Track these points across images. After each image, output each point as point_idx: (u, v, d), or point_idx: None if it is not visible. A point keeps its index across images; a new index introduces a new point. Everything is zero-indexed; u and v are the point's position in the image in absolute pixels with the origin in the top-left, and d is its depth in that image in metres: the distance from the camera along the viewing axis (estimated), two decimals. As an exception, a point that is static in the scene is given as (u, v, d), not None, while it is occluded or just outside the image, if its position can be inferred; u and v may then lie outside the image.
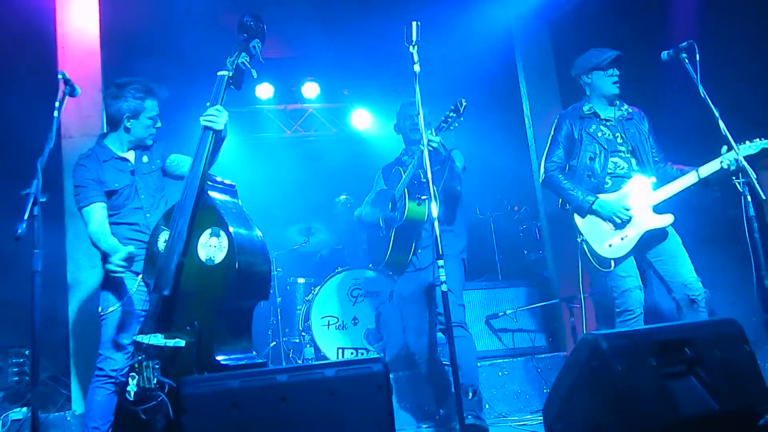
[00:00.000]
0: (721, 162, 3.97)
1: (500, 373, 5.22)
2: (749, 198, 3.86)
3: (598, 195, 4.25)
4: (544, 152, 4.54)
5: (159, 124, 3.91)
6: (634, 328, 3.68)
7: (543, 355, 5.44)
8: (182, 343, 3.14)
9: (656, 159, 4.39)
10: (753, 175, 3.87)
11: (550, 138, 4.52)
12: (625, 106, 4.49)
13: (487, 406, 4.94)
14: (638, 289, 4.17)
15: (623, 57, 4.39)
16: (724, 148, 3.98)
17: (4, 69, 5.01)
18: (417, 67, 3.45)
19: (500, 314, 5.74)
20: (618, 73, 4.40)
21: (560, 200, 4.50)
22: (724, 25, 5.40)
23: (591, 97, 4.47)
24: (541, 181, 4.55)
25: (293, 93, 8.61)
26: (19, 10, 5.05)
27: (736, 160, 3.86)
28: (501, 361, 5.33)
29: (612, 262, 4.20)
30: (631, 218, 4.18)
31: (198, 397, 2.31)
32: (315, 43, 7.81)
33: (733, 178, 4.06)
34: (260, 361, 3.28)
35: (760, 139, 4.05)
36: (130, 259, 3.43)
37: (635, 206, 4.19)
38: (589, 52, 4.48)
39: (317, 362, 2.78)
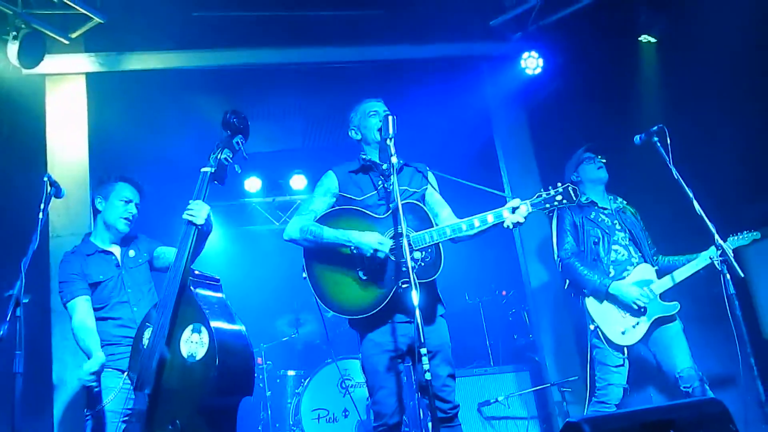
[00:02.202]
0: (713, 262, 4.16)
1: (494, 462, 5.12)
2: (728, 276, 3.92)
3: (613, 280, 4.36)
4: (553, 244, 4.68)
5: (133, 211, 3.95)
6: (619, 411, 3.68)
7: (537, 442, 5.34)
8: (165, 442, 3.10)
9: (652, 252, 4.61)
10: (731, 254, 3.94)
11: (555, 229, 4.68)
12: (620, 199, 4.75)
13: (482, 497, 4.82)
14: (622, 387, 4.27)
15: (598, 144, 4.61)
16: (712, 249, 4.17)
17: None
18: (394, 159, 3.48)
19: (492, 401, 5.66)
20: (601, 159, 4.63)
21: (566, 283, 4.65)
22: (691, 109, 5.57)
23: (585, 188, 4.68)
24: (560, 269, 4.63)
25: (281, 186, 8.74)
26: (9, 111, 5.19)
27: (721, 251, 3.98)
28: (495, 450, 5.24)
29: (625, 350, 4.33)
30: (653, 300, 4.32)
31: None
32: (302, 136, 8.03)
33: (710, 258, 4.18)
34: (244, 458, 3.23)
35: (749, 231, 4.36)
36: (98, 372, 3.46)
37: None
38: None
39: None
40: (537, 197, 3.52)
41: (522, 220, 3.47)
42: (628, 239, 4.56)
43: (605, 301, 4.39)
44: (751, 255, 5.02)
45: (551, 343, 5.88)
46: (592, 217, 4.57)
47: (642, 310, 4.31)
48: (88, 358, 3.54)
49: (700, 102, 5.61)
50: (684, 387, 4.14)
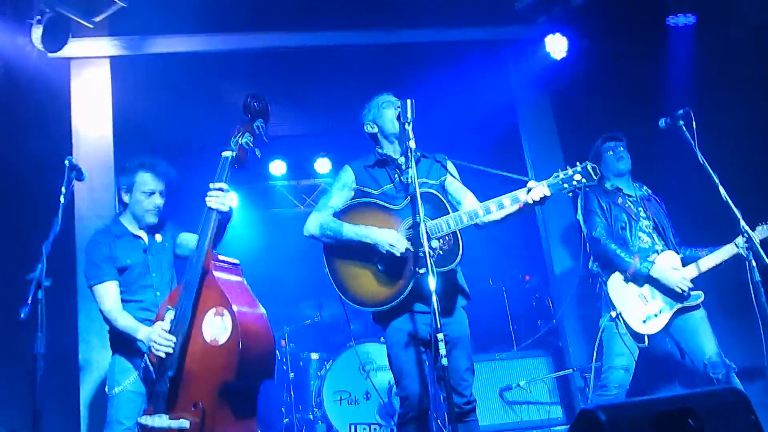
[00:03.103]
0: (739, 251, 4.12)
1: (516, 448, 5.13)
2: (754, 263, 3.88)
3: (653, 264, 4.32)
4: (582, 227, 4.58)
5: (158, 202, 3.91)
6: (636, 399, 3.65)
7: (558, 428, 5.34)
8: (186, 424, 3.13)
9: (675, 240, 4.54)
10: (757, 241, 3.89)
11: (583, 210, 4.58)
12: (645, 188, 4.71)
13: (503, 481, 4.84)
14: (624, 370, 4.24)
15: (615, 134, 4.54)
16: (739, 238, 4.09)
17: (19, 154, 5.17)
18: (412, 143, 3.46)
19: (514, 386, 5.66)
20: (618, 145, 4.55)
21: (591, 264, 4.59)
22: (718, 94, 5.48)
23: (609, 176, 4.66)
24: (592, 250, 4.56)
25: (306, 169, 8.77)
26: (35, 95, 5.26)
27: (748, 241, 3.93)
28: (516, 434, 5.25)
29: (646, 338, 4.27)
30: (691, 288, 4.27)
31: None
32: (326, 119, 8.03)
33: (736, 242, 4.12)
34: (264, 441, 3.27)
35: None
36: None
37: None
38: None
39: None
40: (554, 177, 3.46)
41: (538, 199, 3.41)
42: (652, 227, 4.51)
43: (629, 288, 4.33)
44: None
45: (574, 328, 5.87)
46: (618, 202, 4.53)
47: (685, 294, 4.25)
48: (135, 336, 3.58)
49: (728, 87, 5.53)
50: (713, 374, 4.09)
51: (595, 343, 4.53)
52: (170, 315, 3.41)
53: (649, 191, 4.69)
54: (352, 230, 3.63)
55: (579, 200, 4.64)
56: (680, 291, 4.24)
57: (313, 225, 3.75)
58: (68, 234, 4.91)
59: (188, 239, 3.99)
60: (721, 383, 4.03)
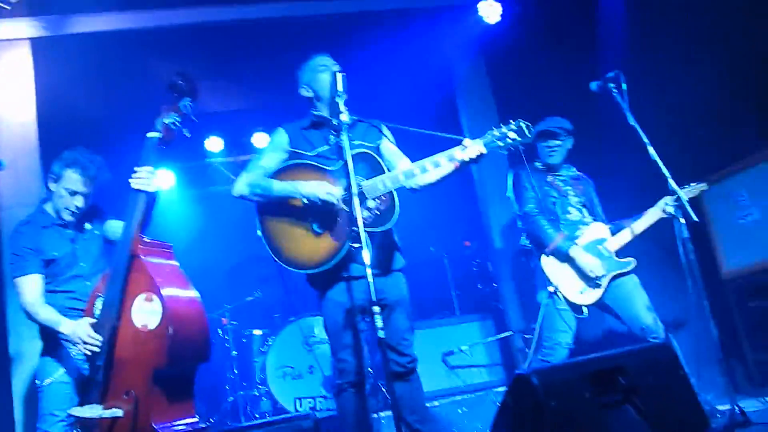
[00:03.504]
0: (668, 210, 4.24)
1: (460, 411, 5.20)
2: (682, 220, 3.97)
3: (573, 242, 4.39)
4: (513, 204, 4.69)
5: (78, 203, 3.74)
6: (568, 361, 3.73)
7: (501, 389, 5.42)
8: (120, 413, 3.08)
9: (603, 216, 4.67)
10: (685, 198, 3.98)
11: (514, 187, 4.68)
12: (573, 169, 4.77)
13: (449, 445, 4.91)
14: (567, 347, 4.35)
15: (560, 131, 4.60)
16: (667, 199, 4.23)
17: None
18: (344, 117, 3.41)
19: (456, 351, 5.73)
20: (553, 142, 4.61)
21: (523, 240, 4.67)
22: (649, 53, 5.56)
23: (540, 157, 4.71)
24: (524, 226, 4.61)
25: (243, 144, 8.61)
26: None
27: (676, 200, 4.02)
28: (460, 398, 5.32)
29: (585, 309, 4.37)
30: (602, 278, 4.36)
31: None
32: (261, 94, 7.88)
33: (665, 200, 4.22)
34: (203, 426, 3.23)
35: (697, 183, 4.42)
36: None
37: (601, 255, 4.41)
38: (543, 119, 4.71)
39: (247, 424, 2.73)
40: (489, 134, 3.42)
41: (474, 157, 3.38)
42: (580, 203, 4.60)
43: (563, 263, 4.41)
44: (711, 197, 5.09)
45: (514, 291, 5.96)
46: (548, 180, 4.61)
47: (597, 280, 4.35)
48: (57, 329, 3.49)
49: (660, 45, 5.61)
50: (651, 338, 4.20)
51: (534, 305, 4.62)
52: (99, 303, 3.32)
53: (579, 172, 4.77)
54: (282, 186, 3.56)
55: (509, 177, 4.69)
56: (592, 276, 4.35)
57: (241, 184, 3.68)
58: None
59: (116, 226, 3.84)
60: None
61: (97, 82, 6.04)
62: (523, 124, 3.41)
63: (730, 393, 3.64)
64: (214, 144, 8.31)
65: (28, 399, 4.52)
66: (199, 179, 8.61)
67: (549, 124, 4.61)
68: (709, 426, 2.79)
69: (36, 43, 5.38)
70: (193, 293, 3.34)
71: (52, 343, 3.63)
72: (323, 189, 3.47)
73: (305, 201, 3.52)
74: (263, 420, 3.28)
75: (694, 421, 2.75)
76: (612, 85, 4.17)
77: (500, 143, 3.41)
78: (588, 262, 4.35)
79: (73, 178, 3.71)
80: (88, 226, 3.88)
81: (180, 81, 3.58)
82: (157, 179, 3.45)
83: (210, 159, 8.60)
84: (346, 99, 3.44)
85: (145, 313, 3.15)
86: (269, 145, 3.82)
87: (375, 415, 3.93)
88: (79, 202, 3.74)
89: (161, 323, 3.09)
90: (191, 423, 3.17)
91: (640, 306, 4.29)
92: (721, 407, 4.06)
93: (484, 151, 3.40)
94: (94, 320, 3.30)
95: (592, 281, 4.37)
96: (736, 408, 3.51)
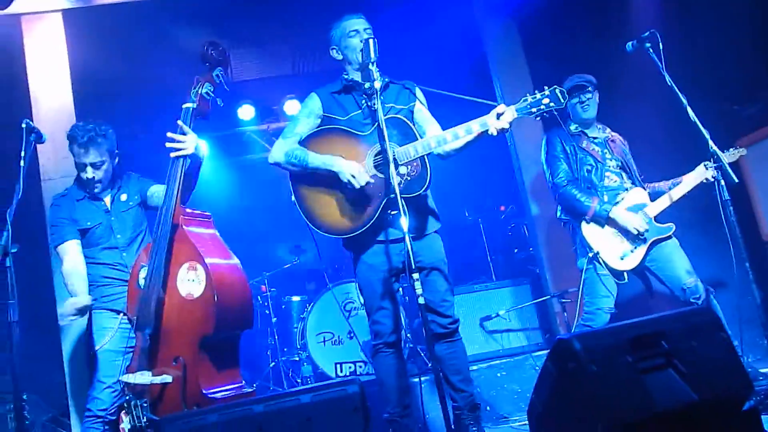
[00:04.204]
0: (708, 173, 4.22)
1: (499, 374, 5.22)
2: (723, 182, 3.91)
3: (613, 205, 4.38)
4: (546, 172, 4.68)
5: (96, 174, 3.80)
6: (609, 326, 3.73)
7: (539, 353, 5.43)
8: (169, 379, 3.18)
9: (641, 177, 4.61)
10: (725, 160, 3.92)
11: (547, 156, 4.66)
12: (608, 129, 4.71)
13: (488, 408, 4.94)
14: (608, 312, 4.35)
15: (587, 84, 4.53)
16: (707, 163, 4.20)
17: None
18: (378, 84, 3.42)
19: (493, 316, 5.75)
20: (584, 96, 4.53)
21: (559, 212, 4.64)
22: (683, 11, 5.43)
23: (573, 117, 4.65)
24: (556, 197, 4.62)
25: (275, 112, 8.64)
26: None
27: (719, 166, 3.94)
28: (498, 362, 5.33)
29: (625, 275, 4.37)
30: (648, 223, 4.34)
31: (177, 436, 2.34)
32: (291, 61, 7.88)
33: (706, 162, 4.17)
34: (249, 390, 3.31)
35: (735, 149, 4.41)
36: (82, 310, 3.49)
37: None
38: (566, 79, 4.63)
39: (293, 389, 2.79)
40: (523, 101, 3.42)
41: (507, 125, 3.37)
42: (618, 167, 4.55)
43: (604, 227, 4.39)
44: (751, 158, 4.99)
45: (550, 255, 5.93)
46: (583, 145, 4.55)
47: (642, 235, 4.33)
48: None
49: (692, 5, 5.47)
50: (693, 299, 4.19)
51: (571, 269, 4.61)
52: (144, 272, 3.40)
53: (614, 133, 4.72)
54: (317, 159, 3.59)
55: (543, 145, 4.66)
56: (637, 233, 4.32)
57: (278, 152, 3.71)
58: (35, 198, 4.84)
59: (160, 191, 3.91)
60: (700, 306, 4.12)
61: (129, 52, 6.09)
62: (557, 91, 3.41)
63: (771, 355, 3.62)
64: (246, 112, 8.35)
65: (77, 366, 4.65)
66: (233, 148, 8.68)
67: (575, 80, 4.57)
68: (752, 389, 2.77)
69: (68, 15, 5.41)
70: (234, 261, 3.41)
71: (101, 311, 3.73)
72: (353, 170, 3.49)
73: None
74: (309, 385, 3.32)
75: (737, 384, 2.73)
76: (648, 44, 4.08)
77: (534, 110, 3.41)
78: (630, 220, 4.33)
79: (77, 153, 3.79)
80: (123, 197, 3.94)
81: (212, 51, 3.64)
82: (193, 142, 3.51)
83: (242, 127, 8.66)
84: (378, 58, 3.43)
85: (190, 282, 3.22)
86: (302, 111, 3.83)
87: (415, 380, 3.95)
88: (89, 173, 3.80)
89: (205, 291, 3.16)
90: (238, 387, 3.26)
91: (680, 268, 4.27)
92: (763, 370, 4.05)
93: (516, 116, 3.40)
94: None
95: (636, 239, 4.35)
96: (779, 370, 3.48)
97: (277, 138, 3.81)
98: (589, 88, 4.57)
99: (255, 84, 7.94)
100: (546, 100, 3.39)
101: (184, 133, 3.51)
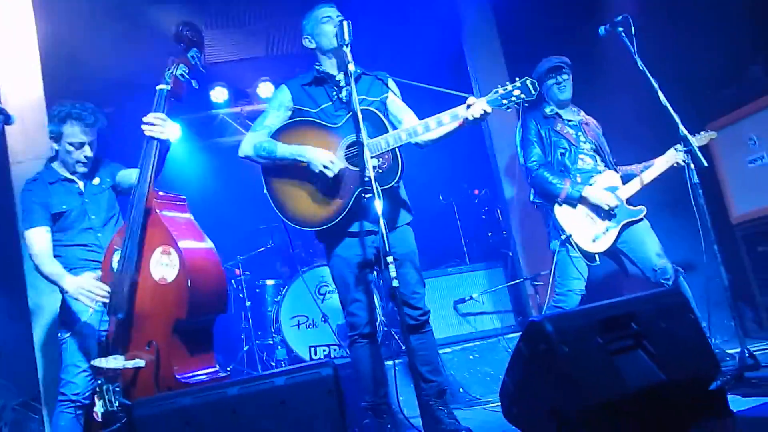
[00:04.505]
0: (679, 157, 4.30)
1: (471, 357, 5.28)
2: (692, 166, 3.97)
3: (584, 185, 4.44)
4: (519, 155, 4.72)
5: (88, 153, 3.79)
6: (580, 308, 3.78)
7: (512, 335, 5.50)
8: (142, 363, 3.16)
9: (613, 161, 4.67)
10: (695, 144, 3.97)
11: (521, 139, 4.70)
12: (582, 113, 4.76)
13: (461, 390, 4.99)
14: (579, 294, 4.43)
15: (563, 62, 4.55)
16: (677, 147, 4.28)
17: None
18: (351, 66, 3.43)
19: (467, 298, 5.80)
20: (560, 77, 4.56)
21: (532, 196, 4.69)
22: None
23: (549, 101, 4.68)
24: (529, 180, 4.65)
25: (248, 94, 8.58)
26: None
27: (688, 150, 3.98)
28: (471, 344, 5.39)
29: (597, 257, 4.44)
30: (620, 205, 4.41)
31: (150, 418, 2.33)
32: (266, 43, 7.81)
33: (675, 147, 4.22)
34: (223, 374, 3.31)
35: (706, 132, 4.51)
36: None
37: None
38: (545, 59, 4.69)
39: (267, 372, 2.81)
40: (494, 93, 3.46)
41: (478, 116, 3.39)
42: (592, 150, 4.60)
43: (576, 209, 4.44)
44: (720, 142, 5.07)
45: (524, 238, 5.99)
46: (558, 128, 4.59)
47: (612, 212, 4.39)
48: (59, 284, 3.55)
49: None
50: (663, 280, 4.26)
51: (543, 252, 4.65)
52: (117, 255, 3.37)
53: (588, 116, 4.76)
54: (286, 149, 3.60)
55: (518, 128, 4.69)
56: (608, 208, 4.38)
57: (247, 145, 3.72)
58: (4, 181, 4.76)
59: (129, 174, 3.89)
60: (670, 288, 4.19)
61: (99, 31, 5.98)
62: (529, 82, 3.45)
63: (739, 337, 3.69)
64: (218, 94, 8.28)
65: (48, 350, 4.61)
66: (206, 131, 8.61)
67: (552, 61, 4.61)
68: (719, 369, 2.84)
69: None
70: (209, 245, 3.39)
71: (71, 296, 3.69)
72: (325, 157, 3.50)
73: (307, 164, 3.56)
74: (284, 368, 3.33)
75: (705, 365, 2.79)
76: (621, 29, 4.12)
77: (505, 101, 3.45)
78: (600, 196, 4.39)
79: (74, 131, 3.74)
80: (96, 180, 3.91)
81: (186, 31, 3.59)
82: (170, 128, 3.47)
83: (215, 110, 8.58)
84: (352, 41, 3.43)
85: (163, 266, 3.20)
86: (272, 103, 3.83)
87: (390, 362, 3.99)
88: (88, 152, 3.79)
89: (179, 276, 3.14)
90: (212, 372, 3.25)
91: (651, 250, 4.34)
92: (730, 351, 4.13)
93: (489, 109, 3.42)
94: (99, 273, 3.40)
95: (608, 218, 4.41)
96: (746, 351, 3.55)
97: (252, 121, 3.80)
98: (566, 69, 4.61)
99: (228, 66, 7.86)
100: (517, 92, 3.44)
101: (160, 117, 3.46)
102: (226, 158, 8.37)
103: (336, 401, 2.41)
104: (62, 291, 3.73)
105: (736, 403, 2.84)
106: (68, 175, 3.84)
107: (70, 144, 3.75)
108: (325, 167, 3.47)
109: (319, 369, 2.46)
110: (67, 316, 3.70)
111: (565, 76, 4.60)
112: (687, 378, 2.72)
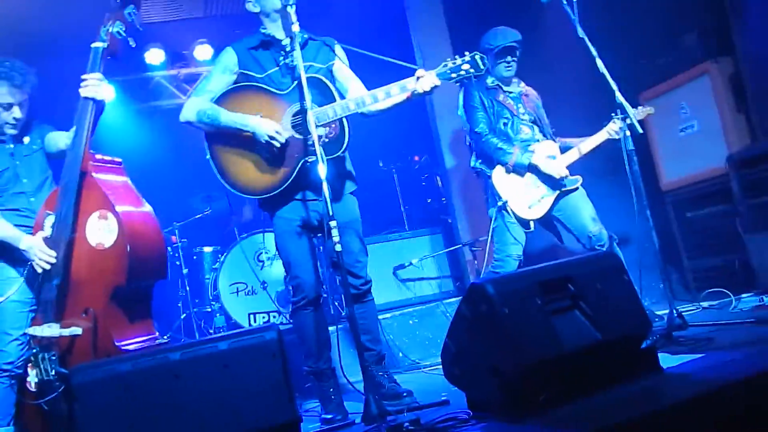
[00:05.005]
0: (615, 132, 4.39)
1: (411, 322, 5.33)
2: (628, 133, 4.06)
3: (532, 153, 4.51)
4: (464, 121, 4.72)
5: (17, 114, 3.61)
6: (519, 271, 3.87)
7: (451, 300, 5.58)
8: (78, 331, 3.09)
9: (552, 131, 4.75)
10: (631, 112, 4.06)
11: (465, 105, 4.70)
12: (523, 84, 4.80)
13: (400, 354, 5.06)
14: (517, 259, 4.51)
15: (517, 45, 4.59)
16: (614, 117, 4.28)
17: None
18: (296, 27, 3.37)
19: (407, 264, 5.85)
20: (511, 58, 4.63)
21: (473, 161, 4.72)
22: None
23: (492, 72, 4.68)
24: (474, 146, 4.67)
25: (185, 57, 8.35)
26: None
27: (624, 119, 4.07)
28: (411, 309, 5.44)
29: (532, 223, 4.51)
30: (565, 179, 4.51)
31: (89, 385, 2.29)
32: (204, 3, 7.60)
33: (612, 114, 4.31)
34: (163, 341, 3.27)
35: (644, 107, 4.68)
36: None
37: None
38: (493, 30, 4.68)
39: (209, 336, 2.80)
40: (443, 66, 3.47)
41: (428, 89, 3.40)
42: (531, 121, 4.68)
43: (512, 177, 4.51)
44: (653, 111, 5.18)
45: (462, 205, 6.06)
46: (500, 99, 4.65)
47: (562, 180, 4.49)
48: (17, 245, 3.40)
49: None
50: (598, 246, 4.38)
51: (482, 218, 4.72)
52: (50, 221, 3.27)
53: (527, 87, 4.81)
54: (230, 118, 3.52)
55: (460, 95, 4.71)
56: (558, 178, 4.48)
57: (189, 111, 3.61)
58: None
59: (57, 137, 3.74)
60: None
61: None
62: (477, 57, 3.47)
63: (668, 298, 3.83)
64: (154, 56, 8.03)
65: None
66: (140, 93, 8.34)
67: (507, 39, 4.60)
68: (651, 328, 2.95)
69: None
70: (147, 209, 3.33)
71: (4, 260, 3.57)
72: (271, 128, 3.44)
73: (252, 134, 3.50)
74: (226, 333, 3.33)
75: (637, 324, 2.90)
76: None
77: (453, 75, 3.46)
78: (550, 166, 4.47)
79: (3, 93, 3.57)
80: (26, 140, 3.75)
81: (124, -14, 3.46)
82: (106, 88, 3.38)
83: (151, 72, 8.33)
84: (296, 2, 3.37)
85: (100, 231, 3.12)
86: (216, 66, 3.72)
87: (332, 328, 4.00)
88: (16, 113, 3.62)
89: (118, 241, 3.07)
90: (151, 338, 3.20)
91: (587, 217, 4.46)
92: (659, 312, 4.29)
93: (438, 82, 3.43)
94: (49, 232, 3.26)
95: (557, 183, 4.51)
96: (675, 312, 3.69)
97: (189, 85, 3.71)
98: (518, 49, 4.65)
99: (164, 26, 7.60)
100: (466, 66, 3.45)
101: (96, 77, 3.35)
102: (161, 122, 8.16)
103: (280, 365, 2.42)
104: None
105: (666, 360, 2.95)
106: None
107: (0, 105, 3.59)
108: (271, 138, 3.42)
109: (263, 333, 2.46)
110: (-2, 283, 3.57)
111: (515, 57, 4.65)
112: (620, 337, 2.83)
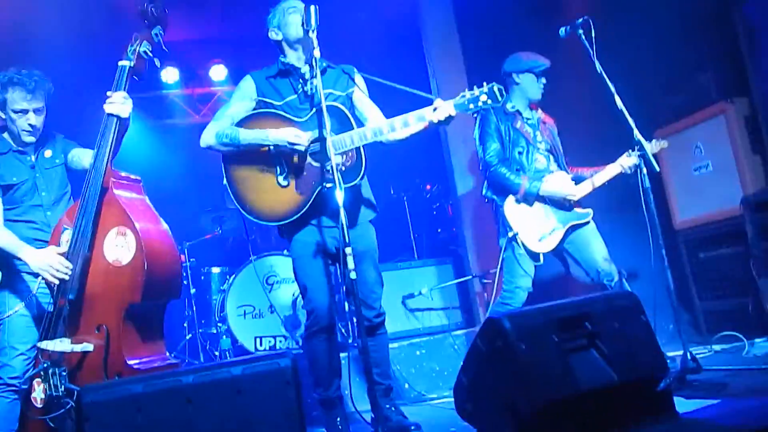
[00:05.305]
0: (631, 162, 4.36)
1: (418, 353, 5.29)
2: (645, 170, 4.05)
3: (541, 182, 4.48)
4: (478, 148, 4.68)
5: (33, 121, 3.59)
6: (536, 306, 3.84)
7: (459, 332, 5.54)
8: (90, 347, 3.08)
9: (565, 161, 4.72)
10: (648, 147, 4.06)
11: (480, 132, 4.66)
12: (540, 110, 4.78)
13: (407, 385, 5.01)
14: (526, 291, 4.47)
15: (547, 69, 4.63)
16: (630, 152, 4.32)
17: None
18: (317, 52, 3.39)
19: (416, 294, 5.81)
20: (545, 82, 4.63)
21: (485, 190, 4.70)
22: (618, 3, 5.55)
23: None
24: (485, 174, 4.64)
25: (200, 76, 8.42)
26: None
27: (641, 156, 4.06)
28: (418, 340, 5.40)
29: (541, 256, 4.46)
30: (568, 207, 4.49)
31: (100, 405, 2.26)
32: (221, 23, 7.68)
33: (629, 151, 4.30)
34: (173, 362, 3.25)
35: (658, 140, 4.59)
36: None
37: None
38: (525, 53, 4.67)
39: (224, 361, 2.77)
40: (461, 97, 3.44)
41: (443, 119, 3.38)
42: (547, 150, 4.65)
43: (523, 209, 4.48)
44: (667, 149, 5.16)
45: (473, 235, 6.03)
46: (518, 126, 4.60)
47: (572, 209, 4.47)
48: (17, 255, 3.39)
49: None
50: (607, 281, 4.34)
51: (493, 250, 4.69)
52: (67, 235, 3.27)
53: (545, 116, 4.79)
54: (250, 134, 3.54)
55: (477, 120, 4.70)
56: (569, 202, 4.46)
57: (209, 135, 3.64)
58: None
59: (81, 154, 3.74)
60: (614, 289, 4.28)
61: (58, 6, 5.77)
62: (496, 88, 3.43)
63: (682, 340, 3.79)
64: (169, 75, 8.11)
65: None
66: (154, 111, 8.41)
67: (546, 63, 4.61)
68: (668, 370, 2.91)
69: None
70: (165, 227, 3.34)
71: (12, 274, 3.55)
72: (290, 132, 3.46)
73: (272, 148, 3.52)
74: (240, 357, 3.27)
75: (654, 365, 2.87)
76: (581, 31, 4.17)
77: (472, 105, 3.43)
78: (560, 189, 4.46)
79: (16, 97, 3.56)
80: (48, 153, 3.76)
81: (151, 8, 3.52)
82: (129, 105, 3.39)
83: (165, 90, 8.40)
84: (318, 26, 3.39)
85: (118, 248, 3.12)
86: (236, 94, 3.77)
87: (344, 354, 3.97)
88: (33, 119, 3.61)
89: (135, 258, 3.07)
90: (163, 358, 3.18)
91: (597, 252, 4.42)
92: (669, 353, 4.25)
93: (455, 113, 3.41)
94: (62, 250, 3.25)
95: (567, 216, 4.48)
96: (689, 354, 3.65)
97: (201, 103, 3.74)
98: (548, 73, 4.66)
99: (180, 46, 7.67)
100: (484, 97, 3.41)
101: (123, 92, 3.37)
102: (173, 140, 8.22)
103: (294, 393, 2.39)
104: (2, 269, 3.58)
105: (680, 404, 2.91)
106: (21, 147, 3.68)
107: (14, 111, 3.58)
108: (296, 136, 3.44)
109: (277, 359, 2.43)
110: (5, 296, 3.52)
111: (544, 81, 4.65)
112: (637, 379, 2.80)
